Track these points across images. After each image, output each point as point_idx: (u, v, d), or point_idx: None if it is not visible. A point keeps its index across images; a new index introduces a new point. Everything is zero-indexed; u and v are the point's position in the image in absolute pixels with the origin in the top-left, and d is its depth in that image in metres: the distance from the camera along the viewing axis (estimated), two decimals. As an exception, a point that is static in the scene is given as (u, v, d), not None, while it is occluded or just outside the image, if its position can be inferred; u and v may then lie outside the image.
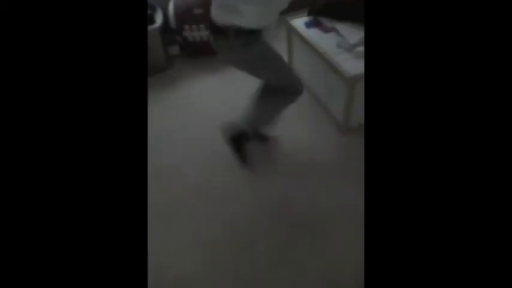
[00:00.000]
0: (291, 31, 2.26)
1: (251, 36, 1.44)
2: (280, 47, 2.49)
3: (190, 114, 2.29)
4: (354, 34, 1.95)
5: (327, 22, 2.13)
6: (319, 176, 1.81)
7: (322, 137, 2.02)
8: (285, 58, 2.47)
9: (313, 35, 2.06)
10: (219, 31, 1.46)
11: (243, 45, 1.45)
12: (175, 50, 2.81)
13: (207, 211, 1.71)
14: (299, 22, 2.19)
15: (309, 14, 2.24)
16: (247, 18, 1.37)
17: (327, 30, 2.07)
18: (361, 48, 1.83)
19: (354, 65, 1.75)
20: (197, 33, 2.58)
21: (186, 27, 2.55)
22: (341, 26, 2.06)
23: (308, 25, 2.14)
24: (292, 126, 2.11)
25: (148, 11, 2.48)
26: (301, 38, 2.12)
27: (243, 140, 1.83)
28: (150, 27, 2.44)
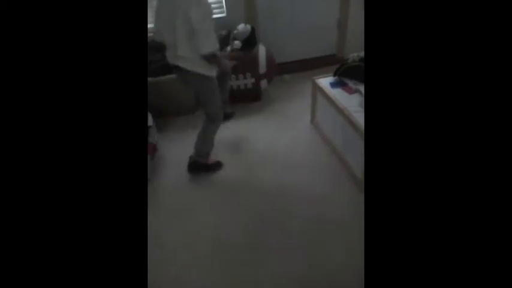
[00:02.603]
0: (316, 89, 2.43)
1: None
2: (305, 103, 2.67)
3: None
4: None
5: (351, 84, 2.29)
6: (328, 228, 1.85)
7: (337, 189, 2.09)
8: (309, 113, 2.64)
9: (337, 94, 2.21)
10: None
11: None
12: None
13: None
14: (325, 81, 2.36)
15: (335, 75, 2.41)
16: None
17: (350, 91, 2.21)
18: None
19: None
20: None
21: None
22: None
23: (333, 85, 2.31)
24: (310, 175, 2.20)
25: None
26: (326, 96, 2.27)
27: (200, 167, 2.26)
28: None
